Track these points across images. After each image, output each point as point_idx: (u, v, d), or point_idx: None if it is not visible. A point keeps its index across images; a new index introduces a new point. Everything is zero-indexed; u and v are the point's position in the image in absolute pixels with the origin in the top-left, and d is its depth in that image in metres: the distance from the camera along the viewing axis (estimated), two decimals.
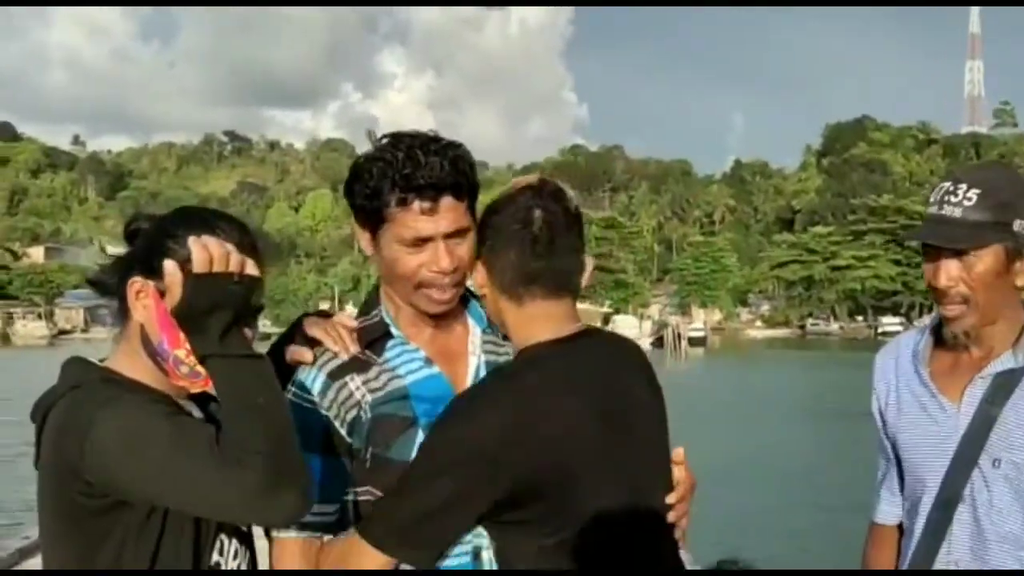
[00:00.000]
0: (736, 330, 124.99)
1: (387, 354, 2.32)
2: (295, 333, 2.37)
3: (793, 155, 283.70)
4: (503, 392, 2.14)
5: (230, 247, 1.97)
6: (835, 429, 29.27)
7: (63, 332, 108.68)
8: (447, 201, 2.19)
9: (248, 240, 2.07)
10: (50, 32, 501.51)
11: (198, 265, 1.92)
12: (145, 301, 2.00)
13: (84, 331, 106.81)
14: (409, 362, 2.31)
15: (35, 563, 7.84)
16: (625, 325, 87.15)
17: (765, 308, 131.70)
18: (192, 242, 1.94)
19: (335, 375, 2.28)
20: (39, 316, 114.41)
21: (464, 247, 2.24)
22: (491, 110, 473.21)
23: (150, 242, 2.03)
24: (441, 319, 2.34)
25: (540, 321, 2.19)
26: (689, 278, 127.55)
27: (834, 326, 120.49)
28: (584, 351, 2.20)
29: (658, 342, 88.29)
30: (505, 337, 2.36)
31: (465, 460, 2.03)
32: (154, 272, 1.97)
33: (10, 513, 16.14)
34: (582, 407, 2.11)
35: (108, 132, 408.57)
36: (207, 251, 1.93)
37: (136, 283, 2.01)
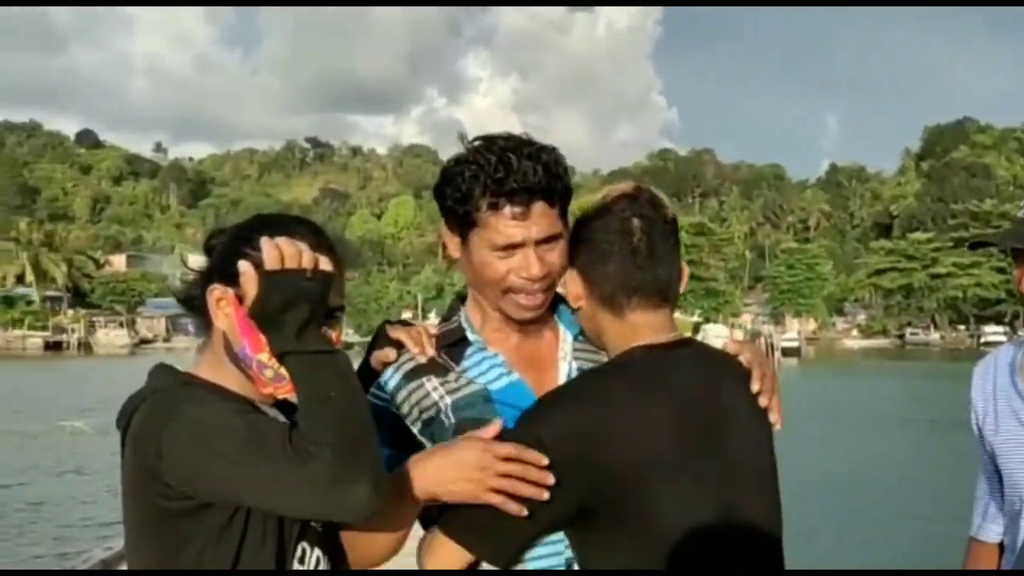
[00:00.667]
0: (831, 340, 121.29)
1: (465, 361, 2.35)
2: (379, 339, 2.42)
3: (891, 159, 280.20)
4: (586, 394, 2.13)
5: (302, 245, 1.99)
6: (935, 441, 28.39)
7: (144, 341, 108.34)
8: (539, 206, 2.20)
9: (324, 242, 2.09)
10: (133, 40, 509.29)
11: (269, 263, 1.95)
12: (226, 308, 2.04)
13: (166, 340, 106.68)
14: (488, 369, 2.34)
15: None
16: (716, 334, 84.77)
17: (862, 317, 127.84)
18: (263, 241, 1.98)
19: (411, 375, 2.34)
20: (121, 325, 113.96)
21: (555, 253, 2.25)
22: (578, 114, 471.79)
23: (227, 250, 2.08)
24: (529, 325, 2.35)
25: (640, 331, 2.17)
26: (782, 286, 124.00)
27: (934, 336, 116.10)
28: (678, 360, 2.17)
29: None
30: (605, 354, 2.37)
31: (548, 461, 2.01)
32: (232, 279, 2.01)
33: (95, 526, 16.40)
34: (667, 415, 2.08)
35: (190, 139, 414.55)
36: (277, 249, 1.96)
37: (216, 291, 2.04)
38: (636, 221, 2.15)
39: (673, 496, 2.04)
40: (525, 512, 2.01)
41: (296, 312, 1.95)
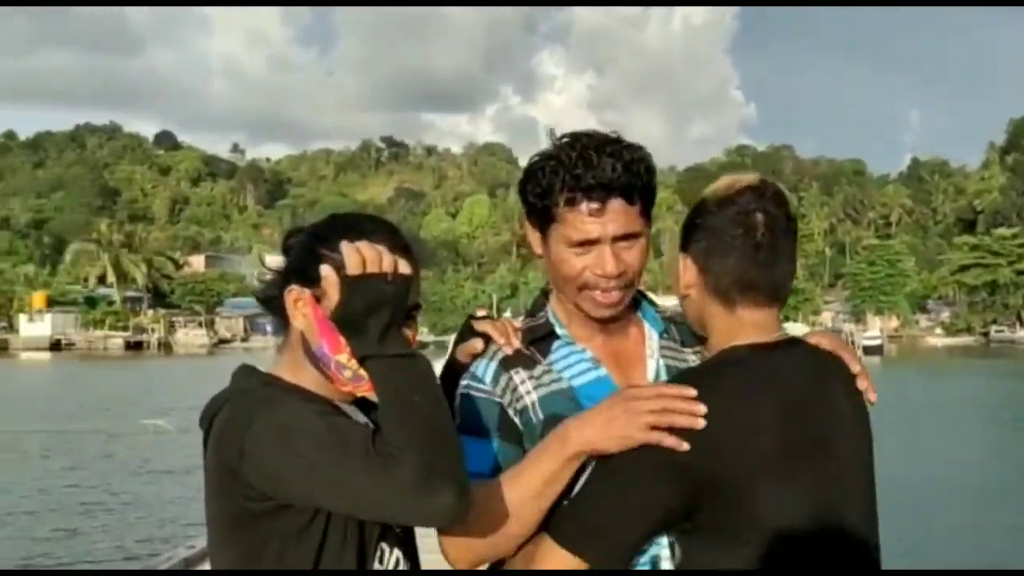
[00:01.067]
0: (914, 338, 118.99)
1: (553, 355, 2.36)
2: (465, 333, 2.45)
3: (975, 153, 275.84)
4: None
5: (382, 248, 2.01)
6: (1021, 441, 28.13)
7: (223, 341, 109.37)
8: (616, 203, 2.21)
9: (399, 242, 2.10)
10: (210, 42, 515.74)
11: (351, 267, 1.97)
12: (304, 309, 2.06)
13: (244, 340, 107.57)
14: (576, 363, 2.34)
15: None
16: (795, 333, 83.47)
17: (945, 315, 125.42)
18: (344, 246, 1.99)
19: (505, 365, 2.34)
20: (200, 325, 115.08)
21: (633, 251, 2.26)
22: (654, 110, 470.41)
23: (304, 251, 2.10)
24: (613, 322, 2.36)
25: (748, 328, 2.15)
26: (863, 283, 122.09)
27: (1020, 333, 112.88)
28: (785, 360, 2.13)
29: None
30: (691, 342, 2.43)
31: (653, 461, 1.99)
32: (310, 280, 2.04)
33: (180, 525, 16.39)
34: (774, 416, 2.04)
35: (267, 140, 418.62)
36: (359, 253, 1.98)
37: (293, 292, 2.07)
38: (760, 216, 2.11)
39: (778, 498, 2.01)
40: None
41: (378, 316, 1.96)
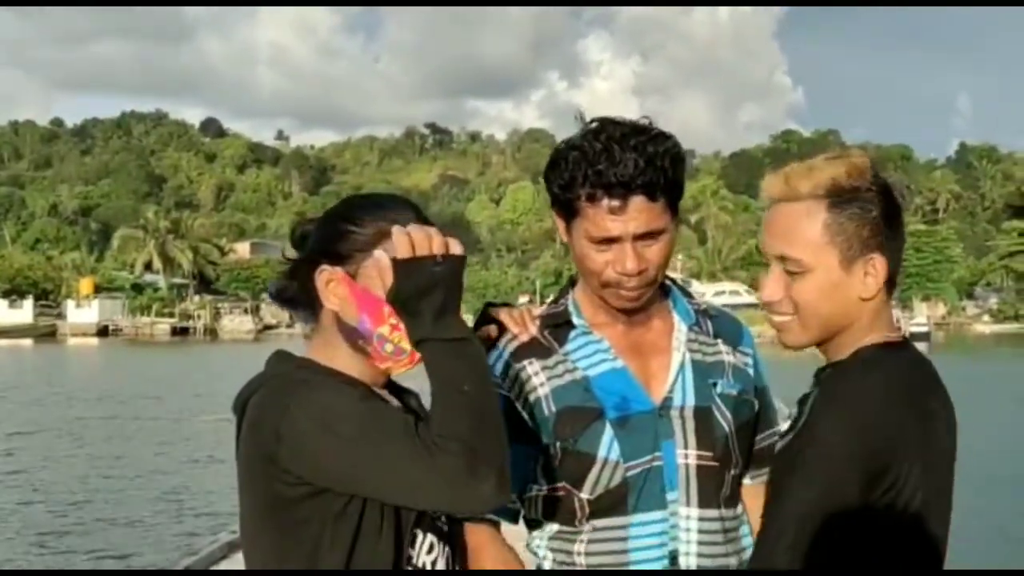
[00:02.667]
0: (961, 325, 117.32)
1: (569, 344, 2.35)
2: (479, 321, 2.45)
3: None
4: (863, 396, 2.01)
5: (432, 230, 1.98)
6: None
7: (268, 327, 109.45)
8: (638, 201, 2.16)
9: (421, 220, 2.06)
10: (258, 29, 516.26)
11: (400, 250, 1.94)
12: (336, 289, 2.05)
13: (289, 326, 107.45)
14: (592, 354, 2.33)
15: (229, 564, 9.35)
16: None
17: (993, 301, 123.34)
18: (395, 230, 1.97)
19: (516, 356, 2.34)
20: (245, 311, 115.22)
21: (656, 248, 2.22)
22: (701, 96, 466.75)
23: (328, 230, 2.11)
24: (639, 312, 2.34)
25: (880, 320, 2.10)
26: (910, 270, 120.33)
27: None
28: (912, 365, 2.09)
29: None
30: (728, 335, 2.42)
31: (842, 467, 1.94)
32: (340, 257, 2.05)
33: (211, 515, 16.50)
34: (917, 418, 2.01)
35: (312, 127, 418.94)
36: (407, 236, 1.95)
37: (325, 272, 2.05)
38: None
39: (924, 504, 1.98)
40: None
41: (430, 299, 1.93)
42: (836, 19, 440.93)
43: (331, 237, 2.09)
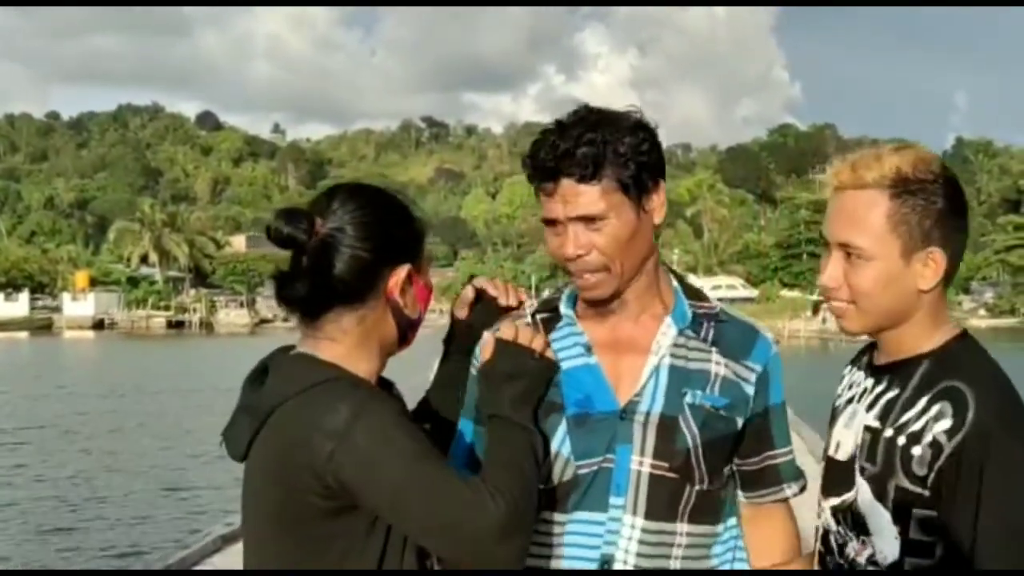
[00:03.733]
0: (957, 319, 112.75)
1: (554, 333, 2.32)
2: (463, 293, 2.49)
3: (1021, 132, 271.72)
4: (1005, 379, 2.01)
5: (539, 335, 2.21)
6: None
7: (264, 321, 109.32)
8: (568, 184, 2.15)
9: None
10: (255, 22, 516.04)
11: (506, 335, 2.18)
12: (406, 287, 2.10)
13: (285, 320, 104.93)
14: (571, 346, 2.30)
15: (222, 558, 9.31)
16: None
17: (989, 296, 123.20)
18: (505, 324, 2.22)
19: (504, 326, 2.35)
20: (241, 305, 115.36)
21: (599, 234, 2.18)
22: (698, 90, 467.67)
23: (380, 231, 2.07)
24: (625, 308, 2.29)
25: (943, 313, 2.08)
26: None
27: None
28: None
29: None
30: (729, 347, 2.30)
31: None
32: (400, 256, 2.09)
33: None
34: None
35: (308, 120, 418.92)
36: (514, 328, 2.19)
37: (400, 271, 2.09)
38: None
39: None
40: None
41: (517, 384, 2.12)
42: (834, 15, 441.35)
43: (386, 238, 2.08)
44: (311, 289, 2.04)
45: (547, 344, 2.19)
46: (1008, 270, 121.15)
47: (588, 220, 2.16)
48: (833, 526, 2.14)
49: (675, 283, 2.34)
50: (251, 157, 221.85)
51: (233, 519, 10.47)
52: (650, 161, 2.18)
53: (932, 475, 1.93)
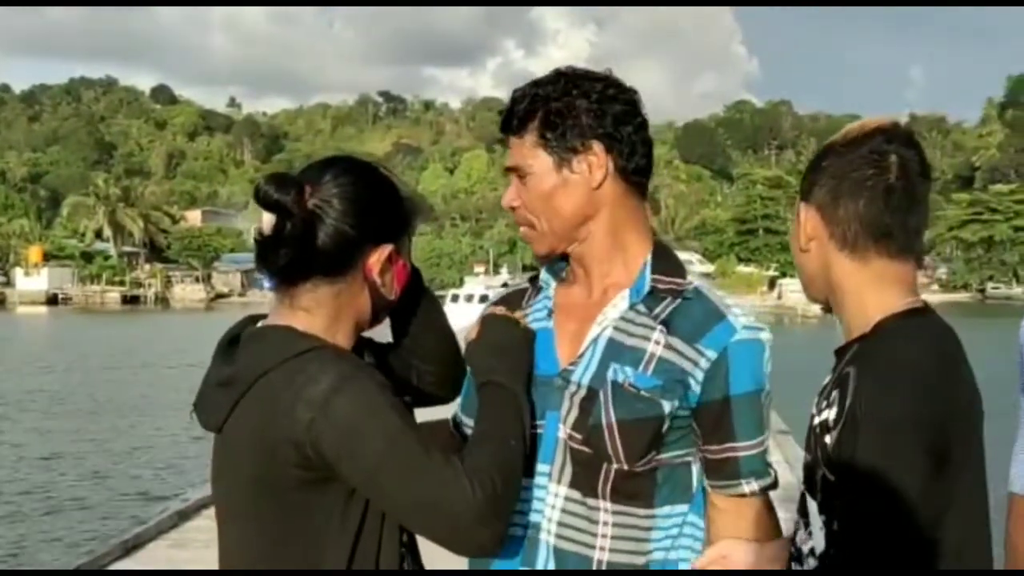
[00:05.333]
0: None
1: (534, 297, 2.39)
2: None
3: (973, 109, 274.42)
4: (914, 363, 1.88)
5: (519, 312, 2.29)
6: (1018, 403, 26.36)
7: (220, 296, 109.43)
8: (512, 137, 2.25)
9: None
10: None
11: (494, 310, 2.28)
12: (386, 266, 2.11)
13: (241, 295, 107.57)
14: (540, 309, 2.33)
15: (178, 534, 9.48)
16: (793, 289, 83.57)
17: (942, 271, 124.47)
18: (492, 301, 2.33)
19: (504, 300, 2.43)
20: (197, 280, 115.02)
21: (526, 188, 2.24)
22: (656, 65, 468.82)
23: (365, 207, 2.08)
24: (590, 274, 2.29)
25: (888, 284, 1.97)
26: None
27: (1017, 290, 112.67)
28: (943, 330, 1.97)
29: (829, 308, 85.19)
30: (682, 329, 2.19)
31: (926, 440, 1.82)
32: (383, 236, 2.09)
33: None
34: (966, 385, 1.95)
35: (264, 94, 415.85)
36: (502, 305, 2.30)
37: (383, 249, 2.09)
38: (894, 158, 1.94)
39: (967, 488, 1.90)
40: None
41: (507, 353, 2.17)
42: None
43: (388, 217, 2.12)
44: (292, 257, 2.04)
45: (523, 316, 2.24)
46: (961, 246, 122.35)
47: (518, 174, 2.23)
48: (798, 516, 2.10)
49: (648, 255, 2.27)
50: (206, 131, 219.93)
51: (189, 495, 10.50)
52: (581, 122, 2.18)
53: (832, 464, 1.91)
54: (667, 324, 2.19)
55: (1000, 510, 2.46)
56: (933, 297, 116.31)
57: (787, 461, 10.75)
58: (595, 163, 2.19)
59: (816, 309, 2.14)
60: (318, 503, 1.97)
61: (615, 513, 2.20)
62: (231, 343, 2.12)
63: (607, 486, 2.18)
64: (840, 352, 2.02)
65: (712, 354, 2.17)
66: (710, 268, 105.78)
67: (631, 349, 2.19)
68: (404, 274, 2.16)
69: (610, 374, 2.17)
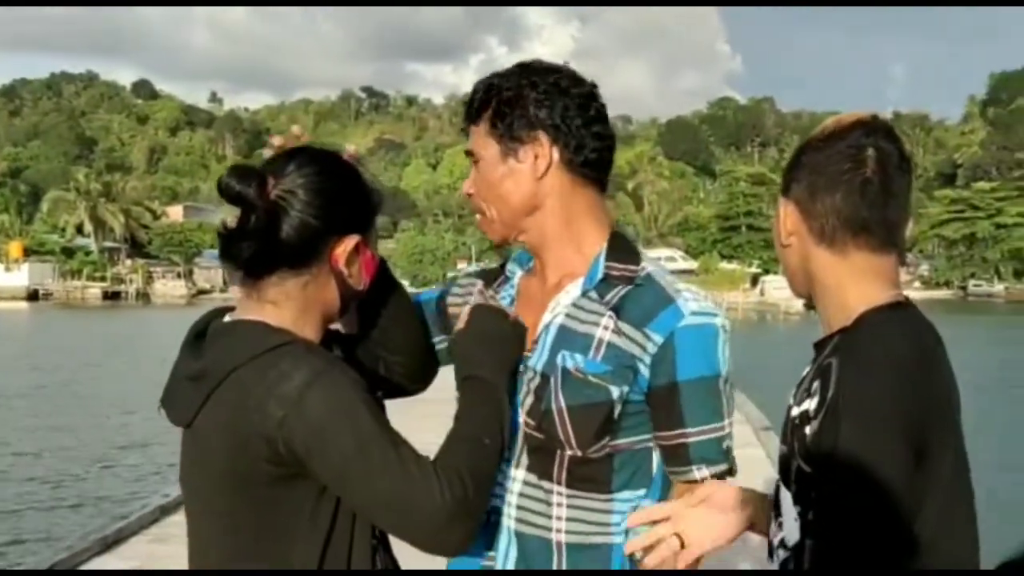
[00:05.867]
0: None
1: (501, 288, 2.44)
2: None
3: (956, 106, 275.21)
4: (894, 357, 1.87)
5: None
6: (1002, 400, 26.90)
7: (202, 291, 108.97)
8: (471, 126, 2.31)
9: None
10: None
11: (481, 301, 2.24)
12: (353, 257, 2.10)
13: (223, 291, 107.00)
14: (503, 298, 2.38)
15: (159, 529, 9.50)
16: (776, 286, 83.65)
17: (924, 268, 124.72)
18: (478, 292, 2.28)
19: (482, 275, 2.50)
20: (178, 275, 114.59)
21: (478, 176, 2.31)
22: (640, 62, 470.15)
23: (329, 198, 2.07)
24: (547, 268, 2.31)
25: (868, 278, 1.96)
26: None
27: (998, 287, 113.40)
28: (924, 324, 1.96)
29: (812, 304, 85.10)
30: (631, 315, 2.19)
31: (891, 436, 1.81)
32: (348, 226, 2.09)
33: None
34: (944, 381, 1.93)
35: (246, 89, 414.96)
36: (489, 296, 2.26)
37: (348, 240, 2.08)
38: (871, 152, 1.93)
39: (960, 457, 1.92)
40: None
41: (494, 346, 2.15)
42: None
43: (335, 204, 2.07)
44: (255, 250, 2.03)
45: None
46: (943, 243, 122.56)
47: (473, 161, 2.29)
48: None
49: (604, 244, 2.27)
50: (188, 126, 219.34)
51: (169, 490, 10.45)
52: (528, 112, 2.21)
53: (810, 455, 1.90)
54: (617, 310, 2.19)
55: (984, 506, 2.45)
56: (915, 294, 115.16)
57: (769, 456, 10.76)
58: (540, 153, 2.21)
59: (799, 305, 2.19)
60: (288, 499, 1.96)
61: (570, 497, 2.20)
62: (198, 337, 2.10)
63: (562, 471, 2.19)
64: (820, 345, 2.02)
65: (659, 339, 2.15)
66: (693, 265, 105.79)
67: (582, 335, 2.19)
68: (372, 265, 2.15)
69: (559, 360, 2.17)
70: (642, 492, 2.23)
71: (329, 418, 1.89)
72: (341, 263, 2.08)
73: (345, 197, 2.10)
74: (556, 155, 2.22)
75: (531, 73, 2.24)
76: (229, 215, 2.04)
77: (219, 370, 1.98)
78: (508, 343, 2.18)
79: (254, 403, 1.92)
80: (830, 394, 1.85)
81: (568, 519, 2.20)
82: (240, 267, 2.06)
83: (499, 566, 2.24)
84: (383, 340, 2.31)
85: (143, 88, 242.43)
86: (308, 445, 1.89)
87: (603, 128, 2.25)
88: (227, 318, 2.12)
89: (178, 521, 9.71)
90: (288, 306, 2.07)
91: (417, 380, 2.40)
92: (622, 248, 2.28)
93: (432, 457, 1.97)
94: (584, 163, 2.23)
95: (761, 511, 2.15)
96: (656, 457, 2.24)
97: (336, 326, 2.26)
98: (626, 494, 2.22)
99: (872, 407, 1.79)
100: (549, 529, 2.21)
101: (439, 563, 2.23)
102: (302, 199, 2.03)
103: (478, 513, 1.98)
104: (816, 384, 1.91)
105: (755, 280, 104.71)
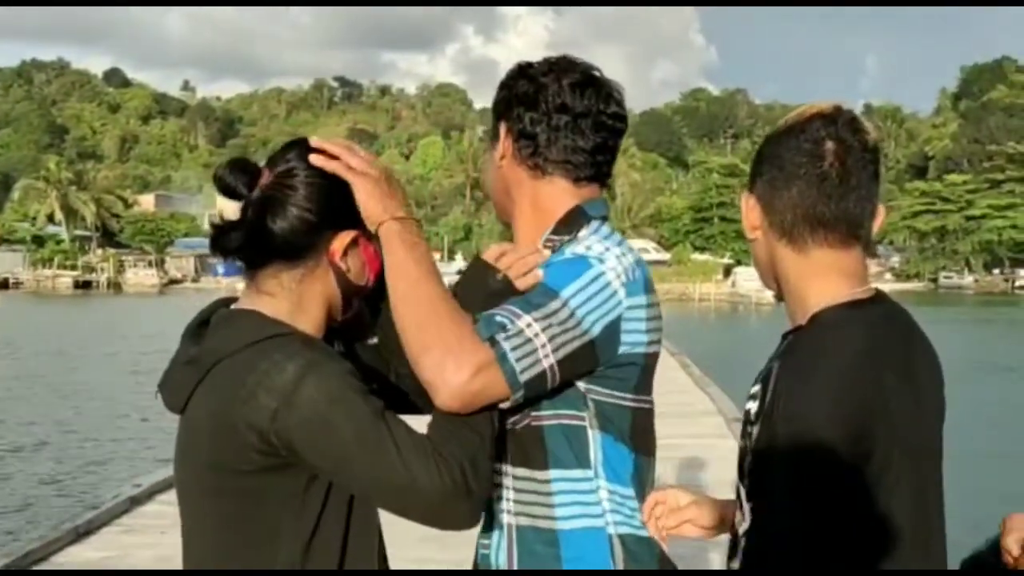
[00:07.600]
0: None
1: None
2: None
3: (927, 99, 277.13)
4: (830, 360, 1.84)
5: (535, 256, 2.23)
6: (970, 389, 26.67)
7: (173, 281, 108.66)
8: None
9: None
10: None
11: (488, 254, 2.23)
12: (355, 250, 2.11)
13: (194, 280, 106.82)
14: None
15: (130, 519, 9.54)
16: (747, 277, 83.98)
17: (895, 260, 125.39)
18: (495, 245, 2.28)
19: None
20: (150, 264, 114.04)
21: (486, 165, 2.46)
22: (614, 52, 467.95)
23: (346, 194, 2.06)
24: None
25: (830, 274, 1.94)
26: None
27: (968, 279, 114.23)
28: (885, 320, 1.94)
29: (781, 296, 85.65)
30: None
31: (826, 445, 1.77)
32: (347, 222, 2.07)
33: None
34: (899, 378, 1.87)
35: (219, 78, 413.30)
36: (500, 249, 2.24)
37: (346, 234, 2.08)
38: (830, 144, 1.91)
39: (896, 483, 1.83)
40: None
41: (489, 302, 2.12)
42: None
43: (350, 202, 2.06)
44: (245, 242, 2.04)
45: (536, 264, 2.18)
46: (914, 236, 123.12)
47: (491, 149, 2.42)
48: None
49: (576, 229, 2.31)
50: (160, 115, 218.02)
51: (141, 480, 10.44)
52: (498, 108, 2.39)
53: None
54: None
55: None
56: (886, 286, 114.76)
57: None
58: (502, 143, 2.35)
59: (769, 296, 2.12)
60: (276, 487, 1.96)
61: (515, 478, 2.23)
62: (201, 325, 2.11)
63: (503, 448, 2.20)
64: (783, 338, 2.01)
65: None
66: (666, 256, 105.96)
67: None
68: (377, 262, 2.10)
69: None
70: (578, 473, 2.21)
71: (323, 410, 1.89)
72: (338, 258, 2.07)
73: (341, 191, 2.07)
74: (510, 145, 2.34)
75: (520, 71, 2.36)
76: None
77: (211, 357, 1.99)
78: (495, 298, 2.13)
79: (244, 392, 1.92)
80: (768, 399, 1.85)
81: (515, 500, 2.23)
82: (231, 258, 2.08)
83: (492, 551, 2.28)
84: (390, 344, 2.22)
85: (115, 76, 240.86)
86: (304, 437, 1.89)
87: (562, 119, 2.28)
88: (230, 308, 2.13)
89: (149, 511, 9.79)
90: (284, 297, 2.07)
91: (425, 395, 2.17)
92: (567, 221, 2.30)
93: (427, 434, 1.97)
94: (534, 153, 2.30)
95: (727, 508, 2.19)
96: (595, 437, 2.21)
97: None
98: (560, 472, 2.21)
99: (804, 416, 1.77)
100: (503, 511, 2.25)
101: (439, 563, 2.27)
102: (296, 192, 2.04)
103: (481, 485, 1.95)
104: (758, 388, 1.91)
105: (727, 271, 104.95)
